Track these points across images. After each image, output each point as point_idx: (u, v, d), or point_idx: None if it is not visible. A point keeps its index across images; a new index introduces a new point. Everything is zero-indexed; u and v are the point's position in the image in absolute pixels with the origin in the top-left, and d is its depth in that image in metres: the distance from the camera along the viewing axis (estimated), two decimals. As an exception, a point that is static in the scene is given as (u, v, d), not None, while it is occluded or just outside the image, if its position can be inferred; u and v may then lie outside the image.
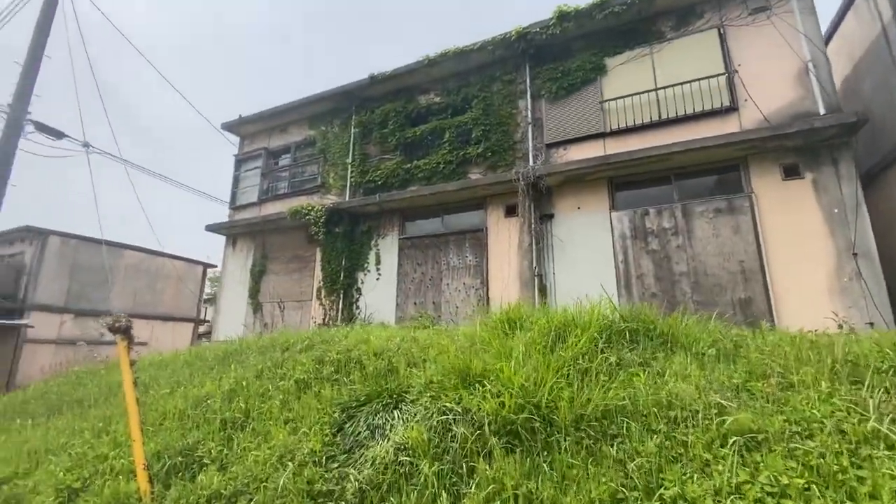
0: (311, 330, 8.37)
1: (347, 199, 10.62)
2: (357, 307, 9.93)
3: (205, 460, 4.22)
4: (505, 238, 8.77)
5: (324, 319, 10.05)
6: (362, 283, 10.10)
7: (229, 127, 13.09)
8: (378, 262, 10.02)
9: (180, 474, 4.16)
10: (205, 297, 24.77)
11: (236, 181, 12.88)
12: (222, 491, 3.65)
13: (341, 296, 10.07)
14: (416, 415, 4.13)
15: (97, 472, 4.48)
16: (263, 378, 5.59)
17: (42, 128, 10.35)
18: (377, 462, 3.65)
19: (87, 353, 16.73)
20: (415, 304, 9.38)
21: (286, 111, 12.31)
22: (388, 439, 3.93)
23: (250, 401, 5.11)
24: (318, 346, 6.07)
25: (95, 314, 19.18)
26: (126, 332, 4.99)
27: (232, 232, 12.32)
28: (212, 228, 12.25)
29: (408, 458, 3.55)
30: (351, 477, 3.52)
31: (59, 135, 10.64)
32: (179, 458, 4.30)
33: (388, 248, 10.05)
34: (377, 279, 9.93)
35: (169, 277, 21.92)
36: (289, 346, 6.52)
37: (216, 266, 29.64)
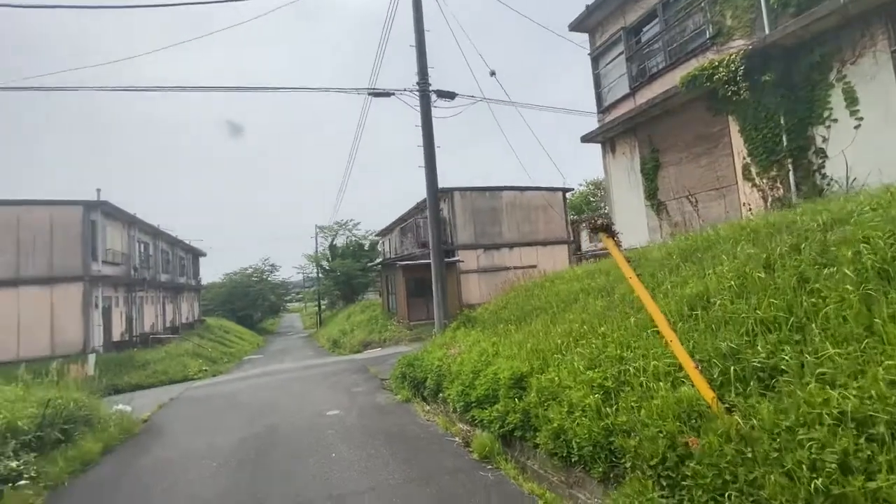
0: (747, 219, 6.32)
1: (767, 31, 7.52)
2: (822, 175, 6.99)
3: (780, 369, 3.15)
4: None
5: (765, 203, 7.67)
6: (824, 140, 7.00)
7: (576, 25, 11.99)
8: (852, 102, 6.64)
9: (744, 385, 3.28)
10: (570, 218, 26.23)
11: (598, 80, 11.77)
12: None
13: (789, 167, 7.35)
14: None
15: (621, 373, 4.28)
16: (780, 269, 4.11)
17: (441, 93, 12.26)
18: None
19: (512, 277, 20.20)
20: (959, 144, 5.62)
21: (639, -30, 10.00)
22: None
23: (780, 297, 3.76)
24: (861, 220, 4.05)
25: (495, 247, 23.31)
26: (607, 229, 4.53)
27: (607, 136, 11.40)
28: (586, 138, 11.72)
29: None
30: None
31: (451, 95, 12.38)
32: (732, 365, 3.43)
33: (868, 76, 6.47)
34: (856, 126, 6.61)
35: (537, 207, 24.11)
36: (783, 229, 4.80)
37: (573, 189, 30.86)
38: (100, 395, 9.65)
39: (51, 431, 6.22)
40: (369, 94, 11.64)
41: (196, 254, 39.22)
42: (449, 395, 6.97)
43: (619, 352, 4.57)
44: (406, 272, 21.90)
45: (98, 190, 19.81)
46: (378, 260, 41.51)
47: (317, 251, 50.08)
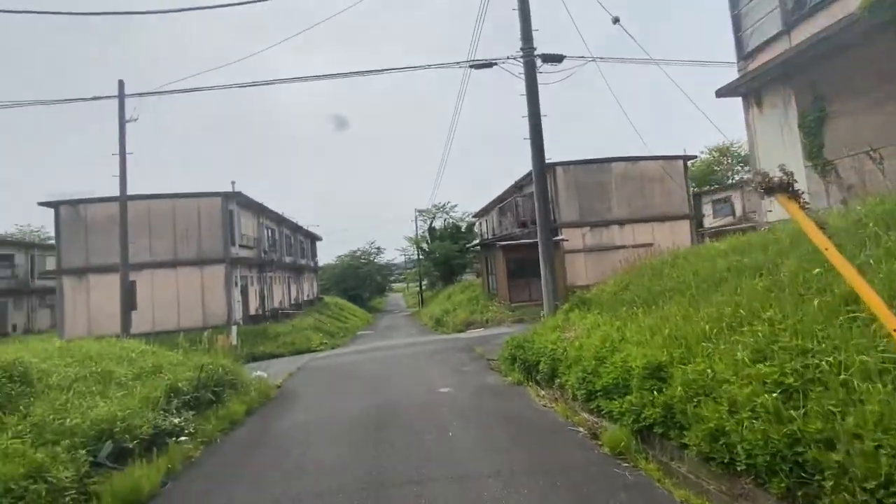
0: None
1: None
2: None
3: None
4: None
5: None
6: None
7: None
8: None
9: None
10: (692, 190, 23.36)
11: (737, 22, 9.94)
12: None
13: None
14: None
15: (807, 368, 3.43)
16: None
17: (547, 57, 11.38)
18: None
19: (624, 256, 18.73)
20: None
21: None
22: None
23: None
24: None
25: (603, 224, 21.69)
26: (787, 188, 3.63)
27: (752, 86, 9.61)
28: (724, 92, 10.03)
29: None
30: None
31: (559, 58, 11.42)
32: None
33: None
34: None
35: (653, 179, 21.80)
36: None
37: (695, 157, 27.49)
38: (241, 362, 10.89)
39: (205, 393, 7.07)
40: (470, 66, 11.24)
41: (313, 238, 42.99)
42: (567, 381, 6.49)
43: (798, 342, 3.68)
44: (506, 252, 21.46)
45: (233, 182, 22.49)
46: (475, 241, 41.58)
47: (416, 234, 51.90)
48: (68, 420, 4.79)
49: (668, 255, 8.91)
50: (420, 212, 52.72)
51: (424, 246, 49.47)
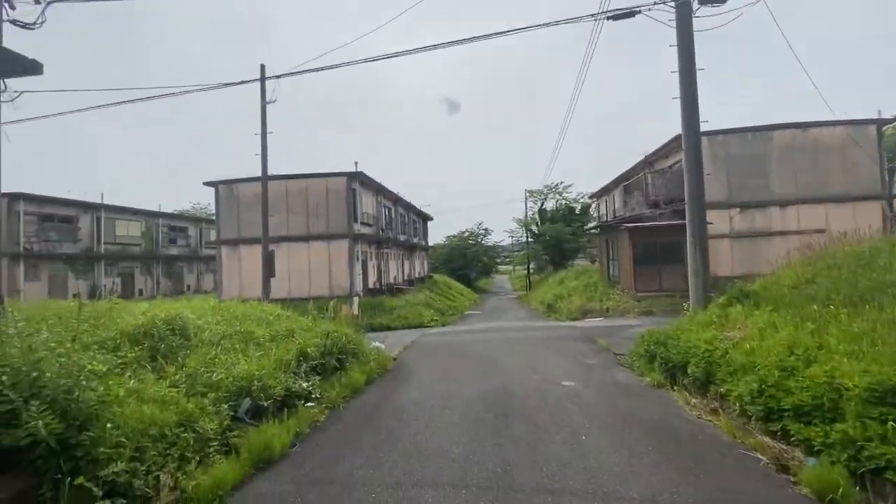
0: None
1: None
2: None
3: None
4: None
5: None
6: None
7: None
8: None
9: None
10: None
11: None
12: None
13: None
14: None
15: None
16: None
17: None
18: None
19: (786, 244, 15.68)
20: None
21: None
22: None
23: None
24: None
25: (758, 205, 18.28)
26: None
27: None
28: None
29: None
30: None
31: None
32: None
33: None
34: None
35: (830, 149, 17.65)
36: None
37: (895, 120, 21.78)
38: (362, 332, 11.31)
39: (330, 359, 7.30)
40: (608, 18, 9.82)
41: (425, 218, 44.29)
42: (732, 390, 5.28)
43: None
44: (633, 236, 19.36)
45: (356, 163, 23.71)
46: (592, 224, 38.78)
47: (526, 215, 50.35)
48: (215, 374, 5.12)
49: (882, 241, 6.82)
50: (530, 192, 50.95)
51: (534, 228, 47.80)
